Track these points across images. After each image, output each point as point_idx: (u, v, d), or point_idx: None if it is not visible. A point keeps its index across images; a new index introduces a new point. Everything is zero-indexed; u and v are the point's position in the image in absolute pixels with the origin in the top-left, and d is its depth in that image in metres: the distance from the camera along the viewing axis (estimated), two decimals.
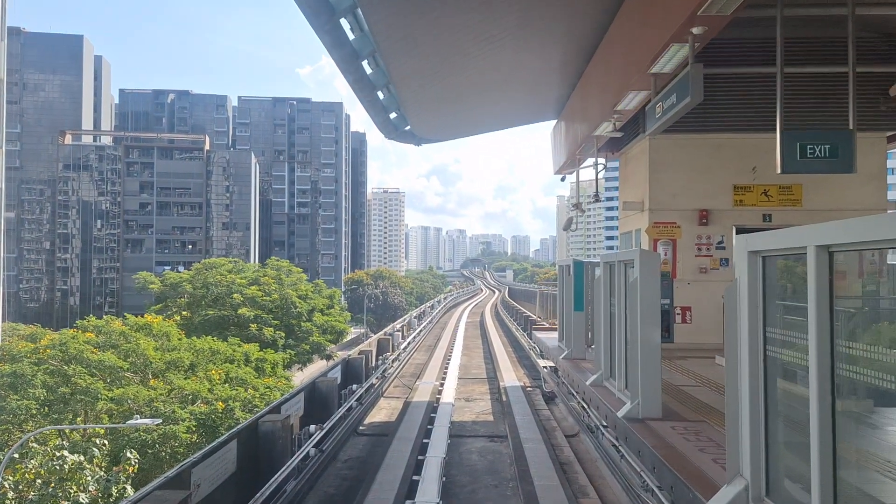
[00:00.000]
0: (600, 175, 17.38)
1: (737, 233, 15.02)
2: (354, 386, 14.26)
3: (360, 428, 13.90)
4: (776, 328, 4.58)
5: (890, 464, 3.81)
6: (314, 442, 9.43)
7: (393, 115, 16.29)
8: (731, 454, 4.81)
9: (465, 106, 17.48)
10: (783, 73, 8.93)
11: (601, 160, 17.20)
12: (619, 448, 9.07)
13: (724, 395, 4.84)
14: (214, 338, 32.96)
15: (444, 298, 79.92)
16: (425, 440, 12.04)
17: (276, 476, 7.91)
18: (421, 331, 35.67)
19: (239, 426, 8.63)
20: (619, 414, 7.83)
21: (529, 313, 37.99)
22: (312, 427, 9.84)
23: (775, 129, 11.06)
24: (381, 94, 14.53)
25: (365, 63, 13.07)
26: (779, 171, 8.22)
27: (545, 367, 17.64)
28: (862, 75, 11.75)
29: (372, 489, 9.45)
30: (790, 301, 4.66)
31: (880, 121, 13.31)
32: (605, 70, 13.06)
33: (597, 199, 16.80)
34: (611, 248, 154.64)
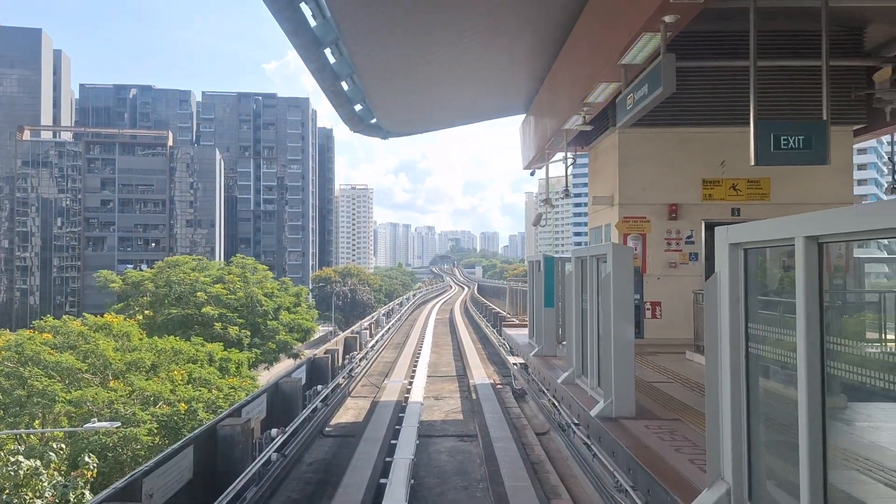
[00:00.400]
0: (569, 171, 17.21)
1: (706, 227, 15.04)
2: (319, 387, 13.86)
3: (326, 429, 13.55)
4: (758, 324, 4.36)
5: (870, 462, 3.62)
6: (276, 446, 9.04)
7: (358, 107, 15.85)
8: (711, 456, 4.58)
9: (432, 99, 17.14)
10: (756, 67, 8.78)
11: (570, 155, 17.04)
12: (592, 447, 8.87)
13: (705, 395, 4.61)
14: (177, 337, 32.21)
15: (414, 295, 79.55)
16: (393, 441, 11.74)
17: (234, 483, 7.53)
18: (389, 328, 35.31)
19: (196, 431, 8.22)
20: (593, 413, 7.61)
21: (499, 310, 37.85)
22: (274, 431, 9.44)
23: (745, 123, 10.83)
24: (345, 85, 14.08)
25: (328, 51, 12.62)
26: (752, 162, 8.06)
27: (515, 363, 17.44)
28: (831, 69, 11.73)
29: (337, 493, 9.12)
30: (774, 296, 4.46)
31: (848, 114, 13.35)
32: (575, 62, 12.85)
33: (567, 194, 16.62)
34: (579, 243, 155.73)
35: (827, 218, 3.49)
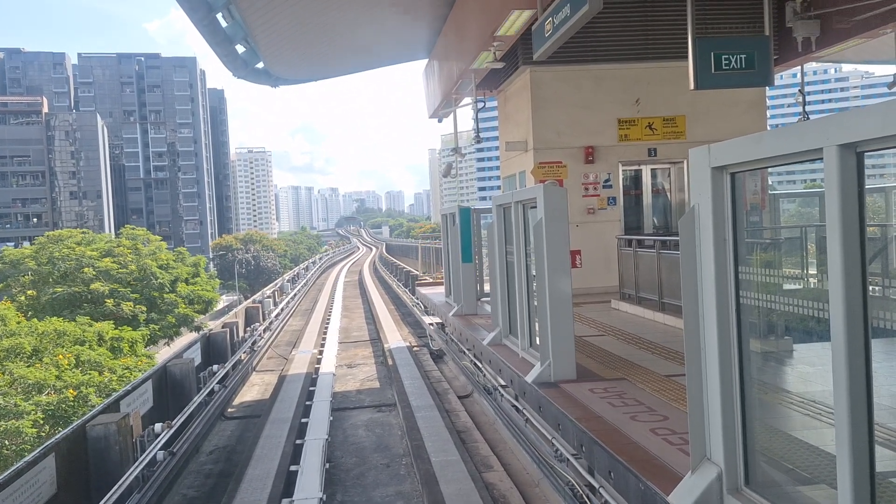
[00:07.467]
0: (478, 115, 16.19)
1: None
2: (216, 367, 12.43)
3: (229, 410, 12.24)
4: (751, 267, 3.47)
5: None
6: (161, 443, 7.71)
7: (241, 49, 14.08)
8: (694, 433, 3.70)
9: (326, 37, 15.51)
10: None
11: (479, 99, 16.00)
12: (523, 412, 8.04)
13: (685, 361, 3.71)
14: (65, 318, 29.70)
15: (320, 259, 77.57)
16: (304, 419, 10.60)
17: (109, 494, 6.20)
18: (295, 294, 33.76)
19: (58, 436, 6.79)
20: (529, 379, 6.71)
21: (411, 269, 36.95)
22: (158, 426, 8.08)
23: (661, 57, 10.05)
24: (222, 19, 12.28)
25: None
26: (692, 87, 7.24)
27: (431, 324, 16.55)
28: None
29: (240, 490, 7.92)
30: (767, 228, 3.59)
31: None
32: None
33: (477, 139, 15.63)
34: (484, 198, 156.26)
35: (867, 118, 2.56)
